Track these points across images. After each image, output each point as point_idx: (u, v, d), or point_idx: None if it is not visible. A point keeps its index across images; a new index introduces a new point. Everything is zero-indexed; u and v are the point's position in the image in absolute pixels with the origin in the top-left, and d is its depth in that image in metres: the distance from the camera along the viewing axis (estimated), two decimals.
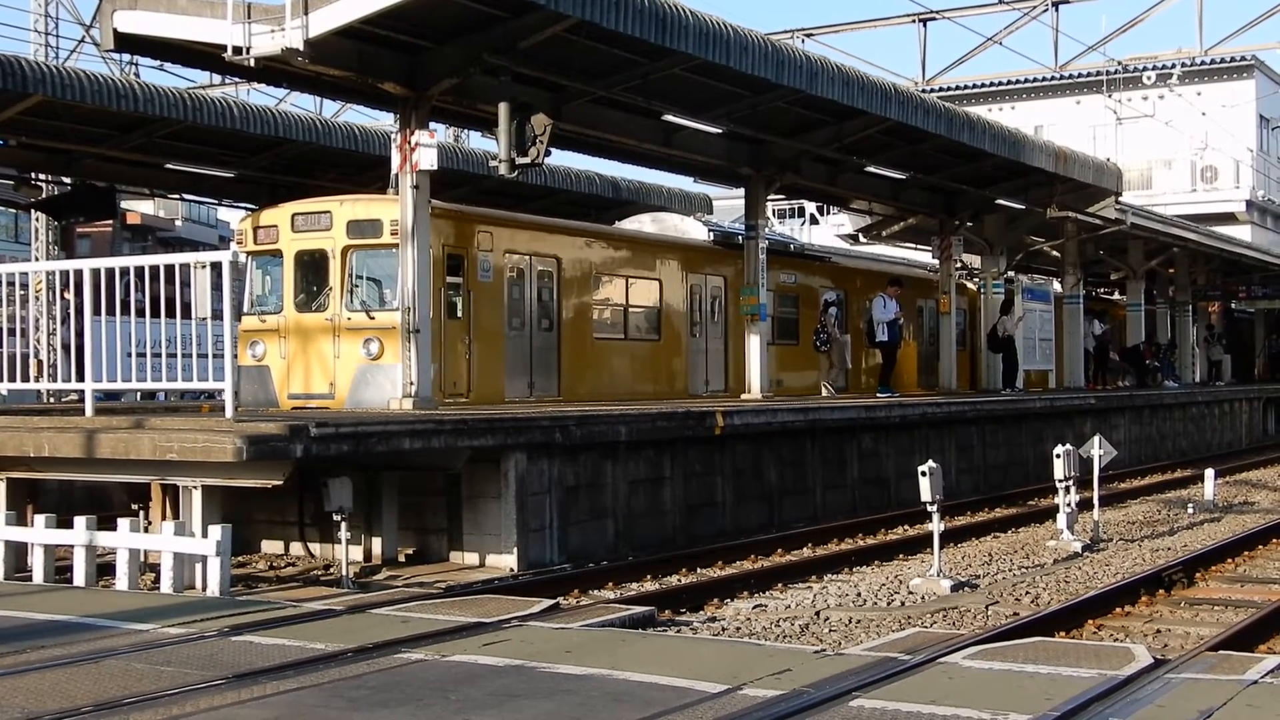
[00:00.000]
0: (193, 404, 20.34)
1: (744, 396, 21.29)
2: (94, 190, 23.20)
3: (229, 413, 11.80)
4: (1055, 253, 32.76)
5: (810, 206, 56.65)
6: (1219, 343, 45.02)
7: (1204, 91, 46.37)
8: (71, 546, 11.57)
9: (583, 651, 7.86)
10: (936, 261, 28.13)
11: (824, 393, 23.92)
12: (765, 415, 17.89)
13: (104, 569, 12.08)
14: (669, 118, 18.99)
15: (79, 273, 12.78)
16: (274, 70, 15.66)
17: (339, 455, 11.96)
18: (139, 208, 49.80)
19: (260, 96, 30.55)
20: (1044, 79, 38.47)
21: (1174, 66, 33.52)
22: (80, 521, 11.49)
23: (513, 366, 18.47)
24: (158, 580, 11.34)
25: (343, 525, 12.42)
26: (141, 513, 12.70)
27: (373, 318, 16.48)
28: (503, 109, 15.12)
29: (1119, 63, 30.97)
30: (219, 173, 22.95)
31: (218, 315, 12.17)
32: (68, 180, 23.76)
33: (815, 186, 25.17)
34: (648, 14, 15.11)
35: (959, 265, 28.52)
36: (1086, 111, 48.28)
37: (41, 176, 23.96)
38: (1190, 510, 20.03)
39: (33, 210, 26.00)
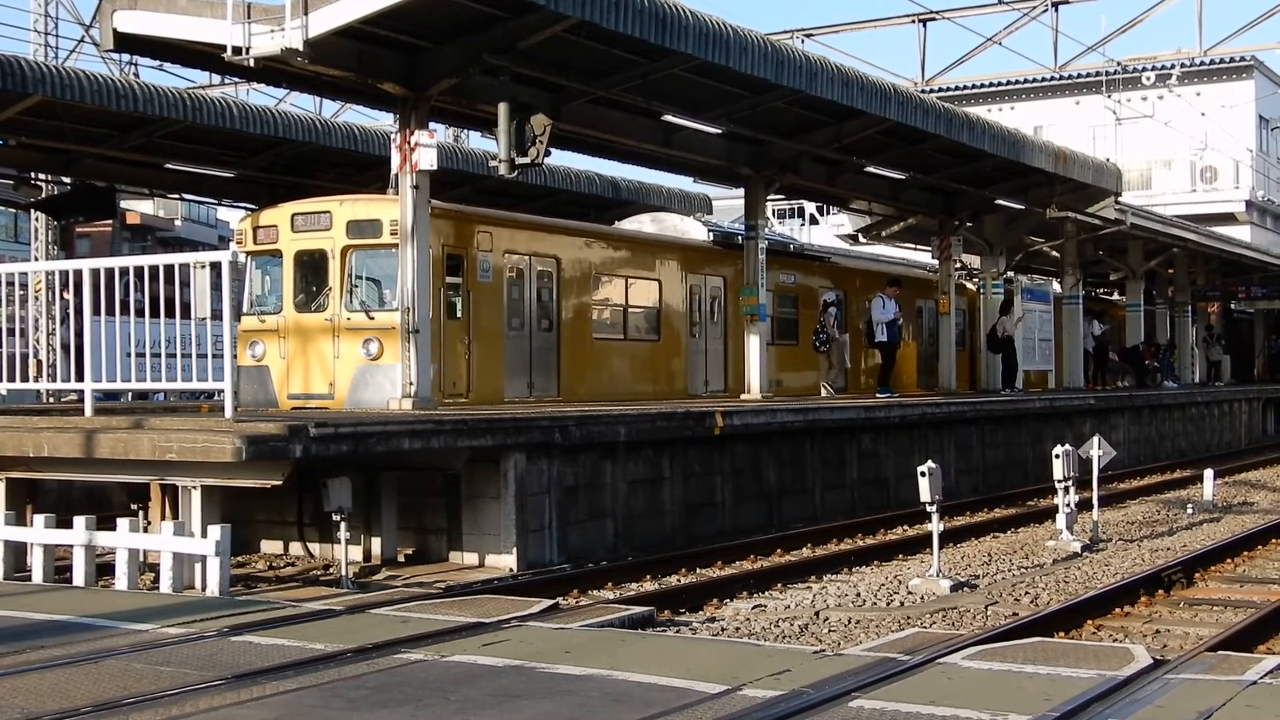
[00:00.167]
0: (192, 404, 20.34)
1: (743, 397, 21.29)
2: (94, 190, 23.20)
3: (228, 413, 11.80)
4: (1055, 253, 32.76)
5: (810, 207, 56.64)
6: (1218, 343, 45.02)
7: (1203, 92, 46.36)
8: (71, 546, 11.57)
9: (582, 652, 7.86)
10: (936, 262, 28.13)
11: (823, 393, 23.93)
12: (765, 415, 17.89)
13: (103, 569, 12.07)
14: (669, 118, 18.99)
15: (78, 273, 12.78)
16: (274, 70, 15.66)
17: (338, 455, 11.96)
18: (139, 208, 49.82)
19: (260, 96, 30.61)
20: (1043, 79, 38.46)
21: (1173, 67, 33.50)
22: (80, 521, 11.49)
23: (512, 367, 18.48)
24: (157, 580, 11.34)
25: (342, 525, 12.42)
26: (141, 513, 12.72)
27: (372, 318, 16.48)
28: (502, 109, 15.13)
29: (1118, 63, 30.99)
30: (219, 173, 22.95)
31: (217, 315, 12.17)
32: (67, 180, 23.77)
33: (815, 187, 25.17)
34: (648, 14, 15.11)
35: (958, 265, 28.53)
36: (1086, 112, 48.28)
37: (41, 176, 23.97)
38: (1189, 511, 20.02)
39: (32, 210, 26.01)
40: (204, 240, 53.15)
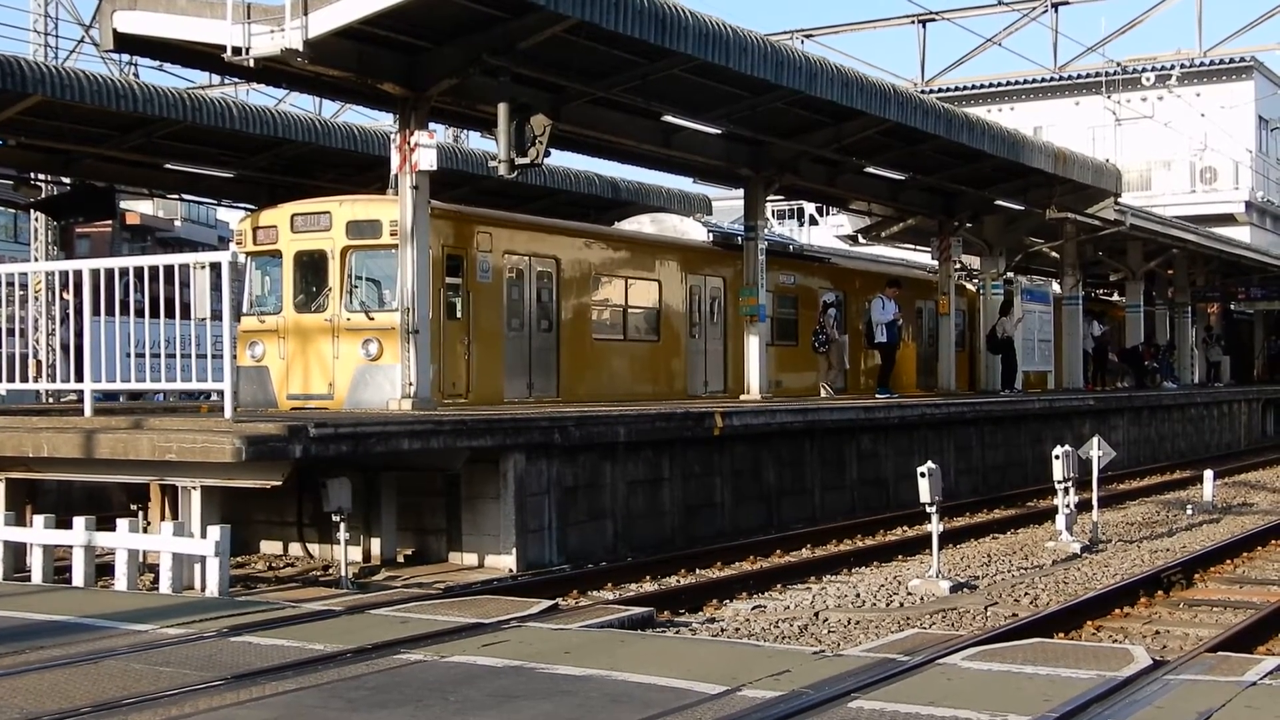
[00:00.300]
0: (191, 404, 20.34)
1: (743, 397, 21.29)
2: (93, 190, 23.20)
3: (228, 413, 11.80)
4: (1054, 254, 32.76)
5: (809, 207, 56.60)
6: (1218, 344, 45.01)
7: (1203, 92, 46.32)
8: (70, 547, 11.57)
9: (581, 652, 7.86)
10: (935, 262, 28.13)
11: (823, 394, 23.94)
12: (764, 416, 17.89)
13: (103, 569, 12.06)
14: (668, 118, 19.00)
15: (78, 273, 12.78)
16: (273, 70, 15.65)
17: (338, 456, 11.96)
18: (138, 208, 49.80)
19: (260, 97, 30.52)
20: (1043, 80, 38.45)
21: (1173, 67, 33.50)
22: (79, 522, 11.49)
23: (512, 367, 18.48)
24: (157, 580, 11.34)
25: (341, 526, 12.42)
26: (140, 513, 12.71)
27: (372, 318, 16.49)
28: (502, 109, 15.13)
29: (1118, 64, 31.02)
30: (218, 173, 22.96)
31: (217, 316, 12.18)
32: (67, 180, 23.77)
33: (814, 187, 25.17)
34: (647, 15, 15.11)
35: (958, 266, 28.54)
36: (1086, 112, 48.27)
37: (41, 176, 23.97)
38: (1189, 511, 20.02)
39: (32, 210, 26.02)
40: (204, 241, 53.13)
